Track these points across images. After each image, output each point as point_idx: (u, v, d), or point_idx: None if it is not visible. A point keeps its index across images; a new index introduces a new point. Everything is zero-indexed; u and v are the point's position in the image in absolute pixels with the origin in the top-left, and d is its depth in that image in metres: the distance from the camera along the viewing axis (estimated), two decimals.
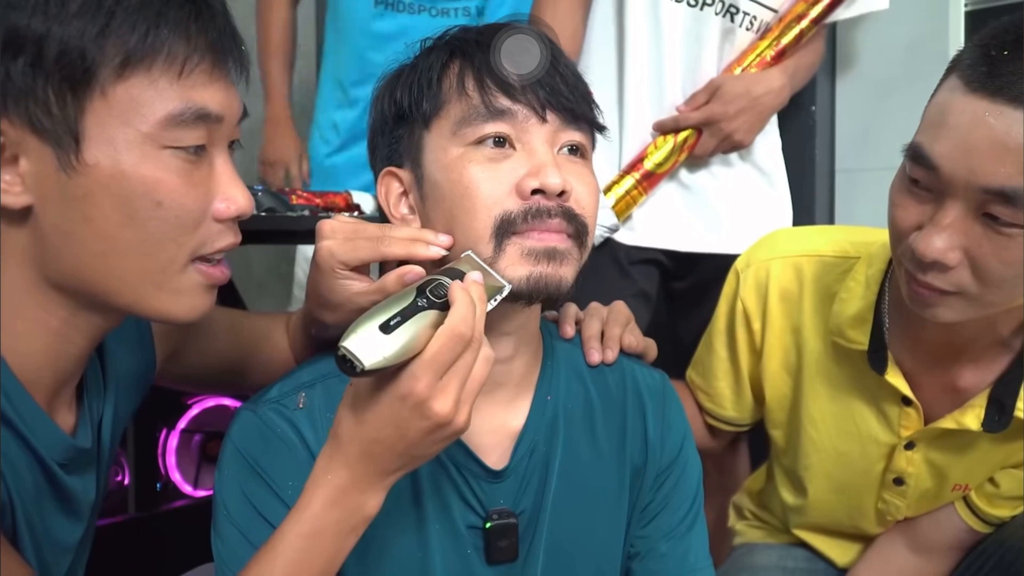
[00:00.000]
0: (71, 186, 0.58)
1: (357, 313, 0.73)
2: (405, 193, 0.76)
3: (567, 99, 0.73)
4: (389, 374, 0.61)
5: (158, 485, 1.20)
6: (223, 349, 0.86)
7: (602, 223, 1.28)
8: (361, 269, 0.73)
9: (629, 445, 0.83)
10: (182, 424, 1.20)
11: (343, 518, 0.64)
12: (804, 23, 1.33)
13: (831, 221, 1.65)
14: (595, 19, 1.35)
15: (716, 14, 1.30)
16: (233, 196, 0.63)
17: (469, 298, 0.62)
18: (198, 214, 0.61)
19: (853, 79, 1.64)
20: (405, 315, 0.60)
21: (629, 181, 1.30)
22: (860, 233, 0.99)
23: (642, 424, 0.84)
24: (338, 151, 1.65)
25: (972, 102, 0.71)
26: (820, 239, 1.00)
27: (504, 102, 0.72)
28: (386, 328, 0.59)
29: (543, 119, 0.73)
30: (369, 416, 0.62)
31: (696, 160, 1.34)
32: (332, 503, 0.64)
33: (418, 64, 0.76)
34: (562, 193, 0.71)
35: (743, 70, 1.31)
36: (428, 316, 0.61)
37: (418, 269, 0.68)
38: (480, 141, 0.72)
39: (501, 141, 0.72)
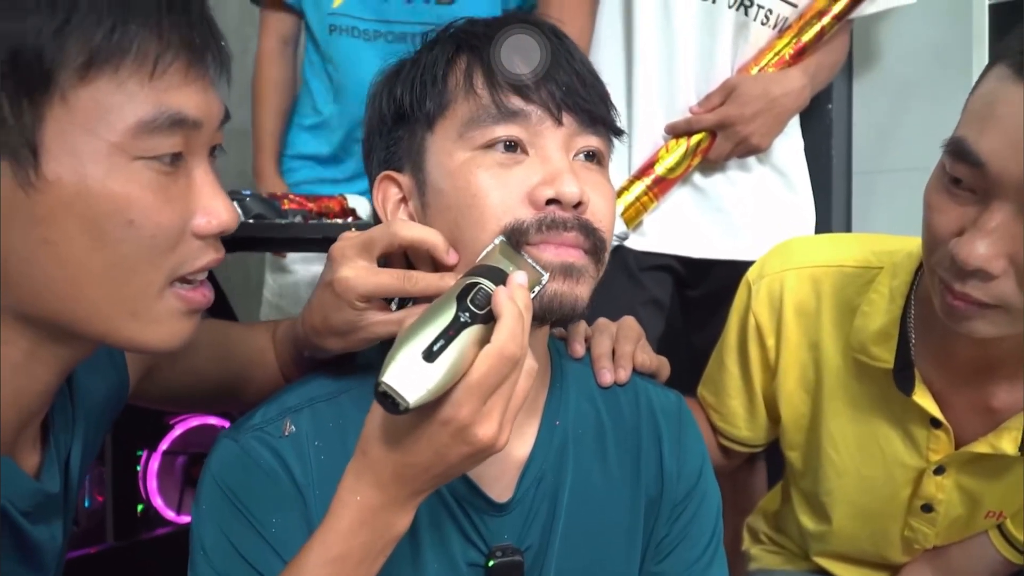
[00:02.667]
0: (31, 205, 0.53)
1: (368, 342, 0.71)
2: (404, 200, 0.73)
3: (584, 100, 0.70)
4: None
5: (138, 510, 1.17)
6: (205, 365, 0.83)
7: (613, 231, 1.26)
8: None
9: (643, 474, 0.80)
10: (164, 445, 1.17)
11: (372, 539, 0.61)
12: (826, 20, 1.30)
13: (848, 226, 1.63)
14: (603, 15, 1.32)
15: (729, 7, 1.27)
16: (215, 209, 0.58)
17: (517, 310, 0.58)
18: (175, 232, 0.57)
19: (871, 77, 1.61)
20: (448, 336, 0.56)
21: (639, 187, 1.27)
22: (882, 241, 0.96)
23: (657, 451, 0.81)
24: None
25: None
26: (839, 248, 0.97)
27: (516, 102, 0.69)
28: (430, 355, 0.55)
29: (559, 121, 0.70)
30: (406, 441, 0.59)
31: (710, 164, 1.31)
32: (361, 524, 0.61)
33: (421, 59, 0.73)
34: (579, 204, 0.68)
35: (760, 70, 1.29)
36: (472, 332, 0.57)
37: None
38: (489, 145, 0.69)
39: (512, 145, 0.69)
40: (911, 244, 0.89)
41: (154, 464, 1.16)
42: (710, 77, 1.29)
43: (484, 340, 0.57)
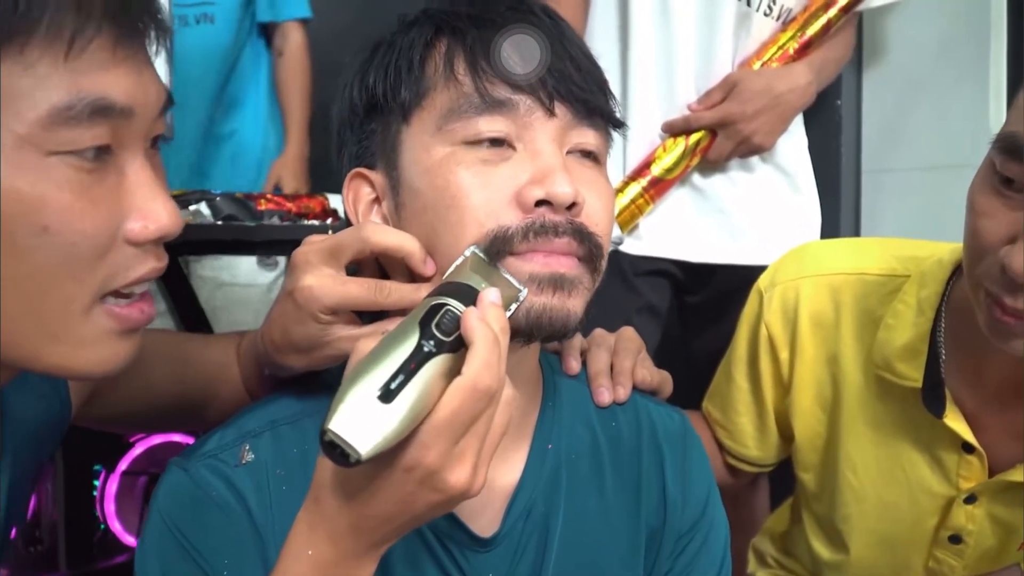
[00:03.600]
0: None
1: (333, 360, 0.64)
2: (378, 200, 0.67)
3: (580, 88, 0.64)
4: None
5: (95, 537, 1.10)
6: (160, 383, 0.75)
7: None
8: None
9: (644, 502, 0.74)
10: (123, 465, 1.09)
11: None
12: (832, 12, 1.24)
13: (857, 228, 1.59)
14: (596, 4, 1.27)
15: None
16: (152, 212, 0.50)
17: (491, 334, 0.50)
18: (102, 239, 0.49)
19: (882, 71, 1.56)
20: (409, 370, 0.48)
21: (635, 188, 1.22)
22: (908, 247, 0.91)
23: (659, 477, 0.75)
24: None
25: None
26: (860, 254, 0.92)
27: (503, 91, 0.62)
28: (387, 395, 0.47)
29: (551, 112, 0.63)
30: (362, 494, 0.52)
31: (710, 164, 1.25)
32: None
33: (396, 42, 0.66)
34: (572, 206, 0.61)
35: (763, 64, 1.23)
36: (438, 363, 0.49)
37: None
38: (473, 142, 0.62)
39: (498, 142, 0.62)
40: (941, 250, 0.84)
41: (112, 485, 1.08)
42: (710, 72, 1.23)
43: (454, 371, 0.50)
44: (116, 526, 1.09)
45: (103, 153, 0.48)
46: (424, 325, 0.51)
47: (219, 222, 1.10)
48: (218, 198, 1.15)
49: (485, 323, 0.50)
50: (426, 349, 0.49)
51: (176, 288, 1.36)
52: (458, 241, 0.61)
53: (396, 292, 0.61)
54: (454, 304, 0.52)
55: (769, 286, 0.94)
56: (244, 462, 0.64)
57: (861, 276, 0.89)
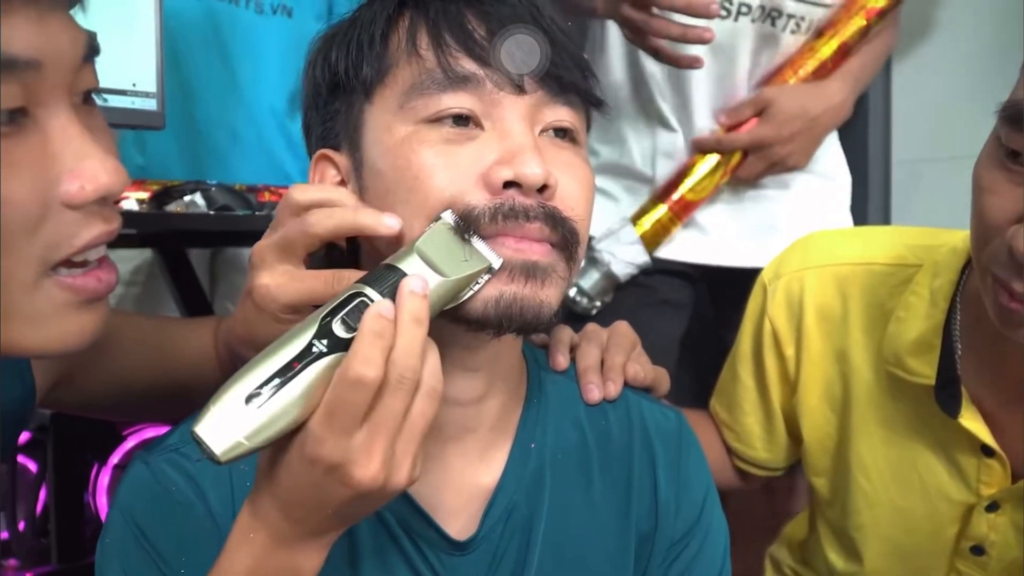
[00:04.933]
0: None
1: None
2: (343, 182, 0.65)
3: (552, 63, 0.60)
4: (293, 431, 0.49)
5: (87, 532, 1.09)
6: (136, 369, 0.74)
7: (631, 260, 1.19)
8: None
9: (635, 505, 0.71)
10: (115, 459, 1.09)
11: None
12: (871, 19, 1.17)
13: (886, 220, 1.54)
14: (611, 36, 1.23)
15: (753, 22, 1.16)
16: (85, 171, 0.47)
17: (375, 328, 0.49)
18: (32, 207, 0.46)
19: (912, 57, 1.51)
20: (288, 370, 0.48)
21: (662, 210, 1.19)
22: (920, 235, 0.87)
23: (651, 479, 0.72)
24: None
25: None
26: (868, 243, 0.89)
27: (468, 65, 0.59)
28: (254, 398, 0.47)
29: (520, 89, 0.60)
30: (283, 476, 0.51)
31: (740, 182, 1.22)
32: (257, 567, 0.53)
33: (359, 18, 0.64)
34: (544, 188, 0.58)
35: (799, 79, 1.17)
36: (330, 361, 0.49)
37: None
38: (436, 119, 0.59)
39: (463, 119, 0.59)
40: (955, 238, 0.79)
41: (104, 479, 1.08)
42: (726, 95, 1.20)
43: None
44: None
45: (18, 115, 0.45)
46: (328, 320, 0.49)
47: (212, 212, 1.08)
48: (213, 189, 1.13)
49: (377, 316, 0.49)
50: (315, 350, 0.49)
51: (182, 280, 1.35)
52: (421, 222, 0.58)
53: (352, 277, 0.57)
54: (369, 294, 0.51)
55: (773, 278, 0.90)
56: (205, 456, 0.63)
57: (869, 266, 0.85)
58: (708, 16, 0.99)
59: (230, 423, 0.47)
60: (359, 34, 0.62)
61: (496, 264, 0.56)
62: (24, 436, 1.18)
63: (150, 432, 1.13)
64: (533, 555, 0.67)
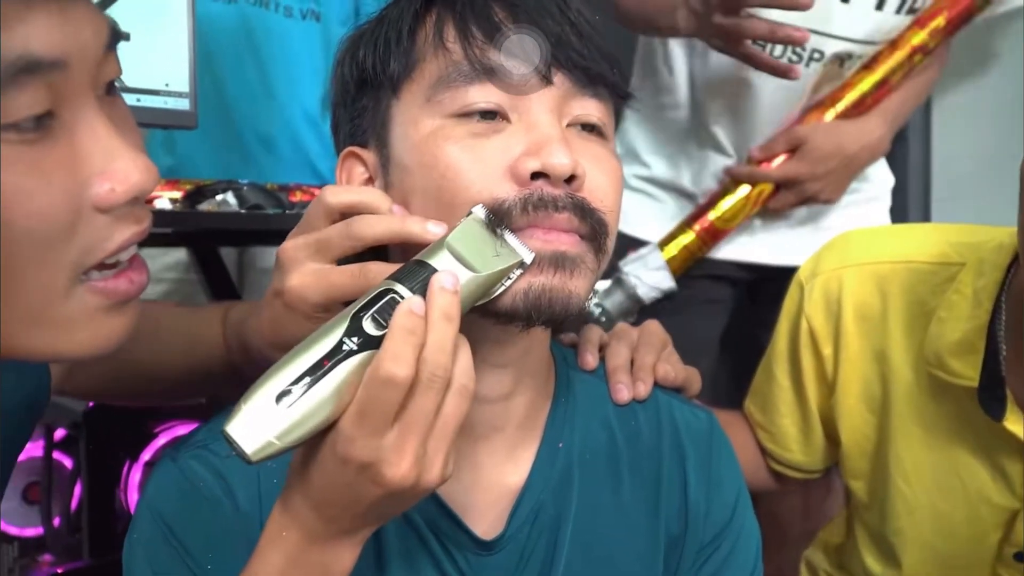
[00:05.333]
0: None
1: None
2: (371, 180, 0.64)
3: (580, 54, 0.60)
4: (324, 430, 0.49)
5: (118, 527, 1.11)
6: (140, 355, 0.73)
7: (656, 285, 1.19)
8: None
9: (664, 507, 0.70)
10: (147, 455, 1.10)
11: None
12: (917, 57, 1.15)
13: (926, 219, 1.51)
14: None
15: (824, 66, 1.14)
16: (117, 172, 0.45)
17: (407, 325, 0.48)
18: (64, 216, 0.44)
19: (955, 47, 1.47)
20: (319, 368, 0.47)
21: (689, 236, 1.19)
22: (964, 232, 0.85)
23: (681, 480, 0.71)
24: None
25: None
26: (909, 241, 0.87)
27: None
28: (284, 397, 0.47)
29: (547, 80, 0.59)
30: (315, 475, 0.51)
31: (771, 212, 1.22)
32: (291, 565, 0.52)
33: (386, 15, 0.64)
34: (572, 179, 0.57)
35: (837, 115, 1.16)
36: (362, 359, 0.48)
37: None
38: (463, 114, 0.59)
39: (491, 114, 0.59)
40: (1002, 234, 0.78)
41: (136, 475, 1.09)
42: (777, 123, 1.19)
43: None
44: None
45: (45, 120, 0.43)
46: (358, 317, 0.49)
47: (243, 211, 1.09)
48: (245, 188, 1.14)
49: (408, 313, 0.48)
50: (346, 348, 0.48)
51: (214, 278, 1.36)
52: (451, 222, 0.57)
53: (378, 270, 0.57)
54: (399, 291, 0.50)
55: (810, 276, 0.89)
56: (235, 453, 0.63)
57: (910, 264, 0.83)
58: (800, 9, 0.97)
59: (261, 422, 0.47)
60: (387, 31, 0.62)
61: (528, 259, 0.56)
62: (60, 433, 1.20)
63: (181, 429, 1.14)
64: (561, 555, 0.66)
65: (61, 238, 0.44)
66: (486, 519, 0.65)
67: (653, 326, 0.80)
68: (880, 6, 1.10)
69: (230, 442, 0.47)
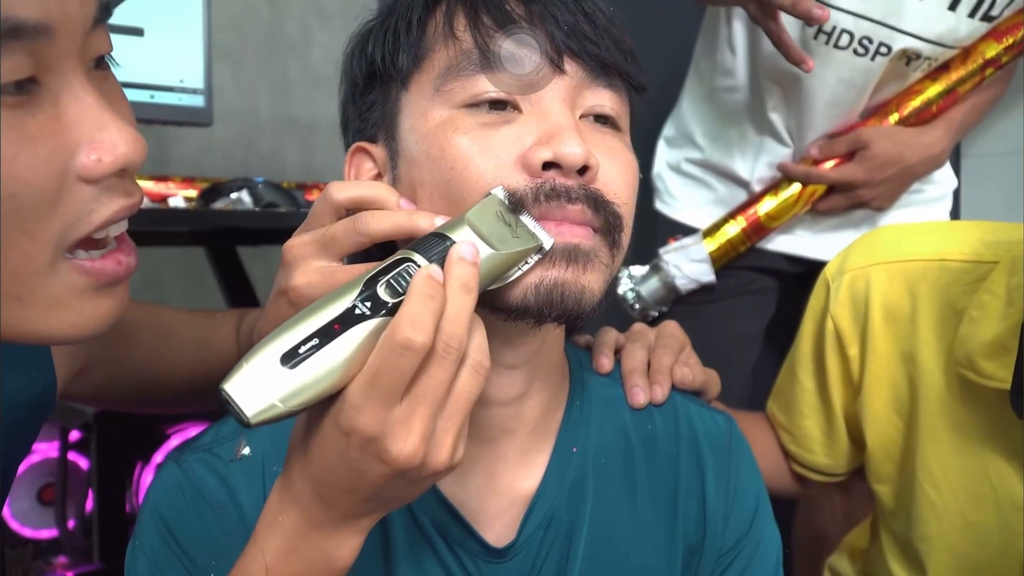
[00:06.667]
0: None
1: None
2: (380, 175, 0.63)
3: (593, 43, 0.59)
4: (328, 400, 0.47)
5: (130, 530, 1.10)
6: (147, 360, 0.73)
7: (696, 277, 1.17)
8: None
9: (681, 514, 0.68)
10: (159, 458, 1.10)
11: (304, 571, 0.50)
12: (988, 70, 1.12)
13: (956, 214, 1.46)
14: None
15: (890, 61, 1.11)
16: (103, 141, 0.44)
17: (427, 289, 0.46)
18: (48, 182, 0.43)
19: None
20: (329, 331, 0.45)
21: (734, 228, 1.17)
22: (996, 229, 0.83)
23: (699, 486, 0.69)
24: None
25: None
26: (939, 237, 0.84)
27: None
28: (291, 358, 0.44)
29: (560, 70, 0.58)
30: (315, 452, 0.49)
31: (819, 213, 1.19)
32: (289, 551, 0.50)
33: (395, 8, 0.63)
34: (585, 170, 0.56)
35: (901, 120, 1.13)
36: (374, 326, 0.46)
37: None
38: (473, 104, 0.58)
39: (501, 104, 0.58)
40: None
41: (147, 477, 1.08)
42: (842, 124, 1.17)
43: None
44: None
45: (27, 85, 0.42)
46: (372, 283, 0.47)
47: (258, 209, 1.09)
48: (260, 186, 1.14)
49: (426, 279, 0.46)
50: (358, 312, 0.46)
51: (231, 276, 1.36)
52: (460, 211, 0.56)
53: None
54: (417, 259, 0.48)
55: (837, 274, 0.87)
56: (239, 457, 0.62)
57: (941, 262, 0.81)
58: (816, 22, 0.95)
59: (264, 383, 0.44)
60: (396, 23, 0.61)
61: (548, 244, 0.54)
62: (75, 435, 1.20)
63: (193, 431, 1.13)
64: (575, 564, 0.65)
65: (45, 206, 0.43)
66: (497, 525, 0.64)
67: (671, 327, 0.78)
68: (953, 6, 1.06)
69: (228, 402, 0.45)
